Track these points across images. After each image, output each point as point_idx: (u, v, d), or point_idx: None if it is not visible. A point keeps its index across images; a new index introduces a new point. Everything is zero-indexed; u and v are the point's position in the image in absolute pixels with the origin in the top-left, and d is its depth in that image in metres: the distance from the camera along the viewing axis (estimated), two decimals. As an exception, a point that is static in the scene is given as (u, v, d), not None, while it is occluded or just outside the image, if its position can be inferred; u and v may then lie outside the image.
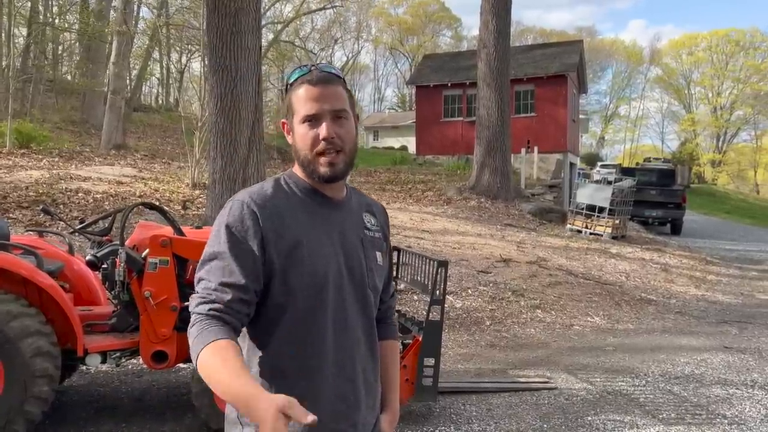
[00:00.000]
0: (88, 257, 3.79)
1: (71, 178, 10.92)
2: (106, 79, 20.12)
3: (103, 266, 3.74)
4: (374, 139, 47.38)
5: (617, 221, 15.10)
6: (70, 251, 4.40)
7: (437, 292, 4.11)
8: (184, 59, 37.17)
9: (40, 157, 13.07)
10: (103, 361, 3.77)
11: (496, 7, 16.08)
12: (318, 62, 1.59)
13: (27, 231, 6.22)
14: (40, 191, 9.51)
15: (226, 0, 7.96)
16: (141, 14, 26.51)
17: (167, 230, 3.87)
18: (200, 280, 1.41)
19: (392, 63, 65.10)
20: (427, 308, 4.19)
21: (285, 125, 1.52)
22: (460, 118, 23.28)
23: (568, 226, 14.97)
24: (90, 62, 22.42)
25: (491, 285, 8.72)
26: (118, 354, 3.77)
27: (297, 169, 1.53)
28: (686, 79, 61.12)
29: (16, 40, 22.00)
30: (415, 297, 7.45)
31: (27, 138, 14.61)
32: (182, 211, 9.62)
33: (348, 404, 1.48)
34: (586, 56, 27.22)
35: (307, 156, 1.46)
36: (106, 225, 4.14)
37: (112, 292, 3.82)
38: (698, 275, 12.11)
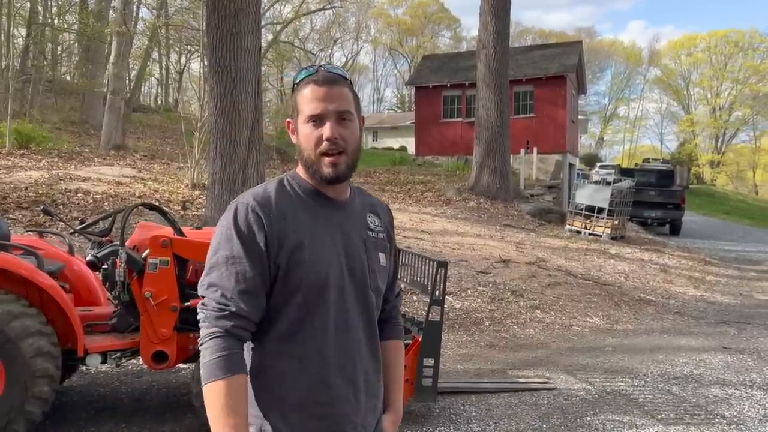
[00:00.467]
0: (89, 258, 3.79)
1: (71, 178, 10.91)
2: (106, 79, 20.12)
3: (103, 267, 3.74)
4: (373, 140, 47.27)
5: (616, 222, 15.11)
6: (70, 252, 4.40)
7: (437, 292, 4.12)
8: (183, 60, 37.29)
9: (40, 157, 13.06)
10: (104, 362, 3.77)
11: (496, 8, 16.08)
12: (325, 63, 1.60)
13: (27, 231, 6.23)
14: (40, 192, 9.50)
15: (226, 1, 7.97)
16: (140, 15, 26.52)
17: (167, 231, 3.88)
18: (212, 285, 1.40)
19: (391, 64, 65.12)
20: (426, 309, 4.20)
21: (290, 124, 1.53)
22: (460, 119, 23.29)
23: (568, 226, 14.98)
24: (89, 63, 22.38)
25: (490, 285, 8.73)
26: (118, 354, 3.78)
27: (300, 170, 1.53)
28: (685, 80, 61.17)
29: (16, 41, 22.02)
30: (415, 297, 7.46)
31: (26, 138, 14.61)
32: (182, 212, 9.62)
33: (349, 405, 1.48)
34: (585, 57, 27.21)
35: (311, 156, 1.46)
36: (107, 225, 4.13)
37: (113, 293, 3.82)
38: (697, 276, 12.12)
